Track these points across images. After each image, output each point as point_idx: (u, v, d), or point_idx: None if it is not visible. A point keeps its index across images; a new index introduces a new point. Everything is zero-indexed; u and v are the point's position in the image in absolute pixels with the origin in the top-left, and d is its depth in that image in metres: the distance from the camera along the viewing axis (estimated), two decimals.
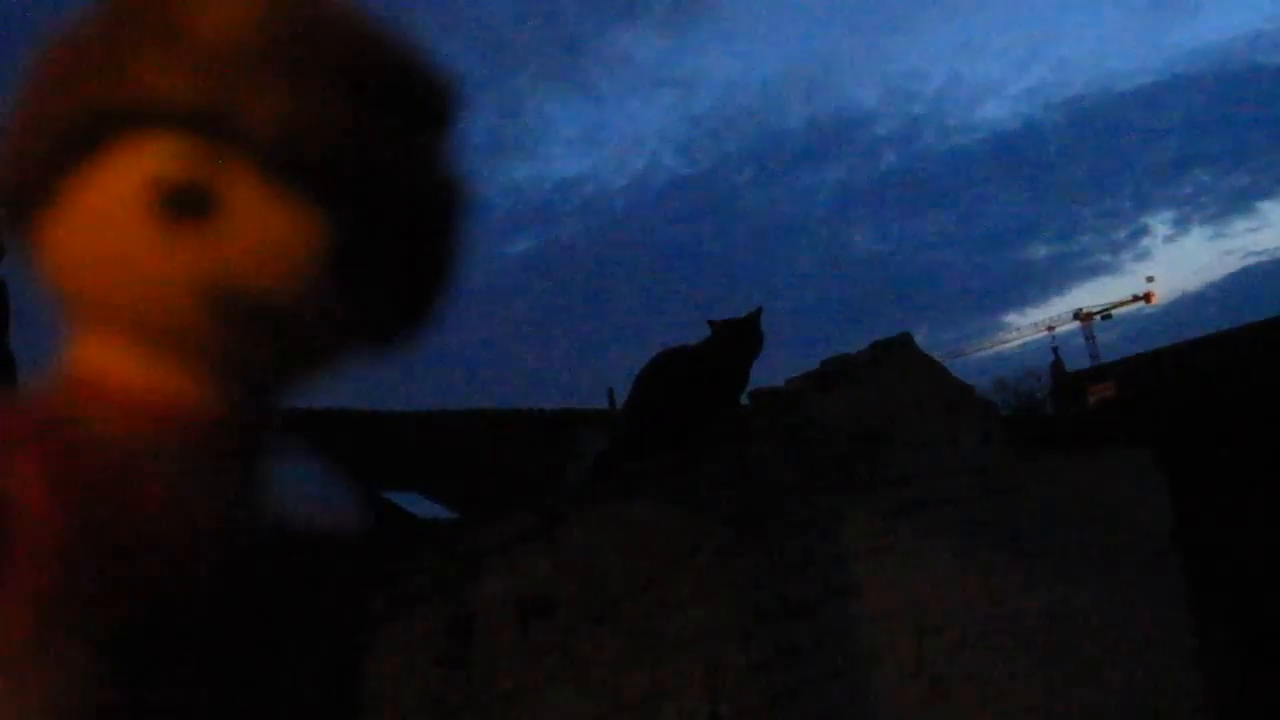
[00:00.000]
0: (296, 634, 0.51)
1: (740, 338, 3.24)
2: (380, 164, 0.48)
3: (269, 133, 0.45)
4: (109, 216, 0.46)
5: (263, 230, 0.46)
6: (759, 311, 3.30)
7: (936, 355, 4.34)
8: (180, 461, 0.48)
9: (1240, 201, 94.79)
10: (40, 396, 0.49)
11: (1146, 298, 45.03)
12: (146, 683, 0.45)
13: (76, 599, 0.43)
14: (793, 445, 3.27)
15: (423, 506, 9.08)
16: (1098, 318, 44.68)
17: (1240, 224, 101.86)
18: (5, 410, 0.48)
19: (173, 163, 0.46)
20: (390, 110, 0.49)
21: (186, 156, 0.46)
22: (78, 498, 0.44)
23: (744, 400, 3.36)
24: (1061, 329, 45.06)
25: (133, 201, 0.46)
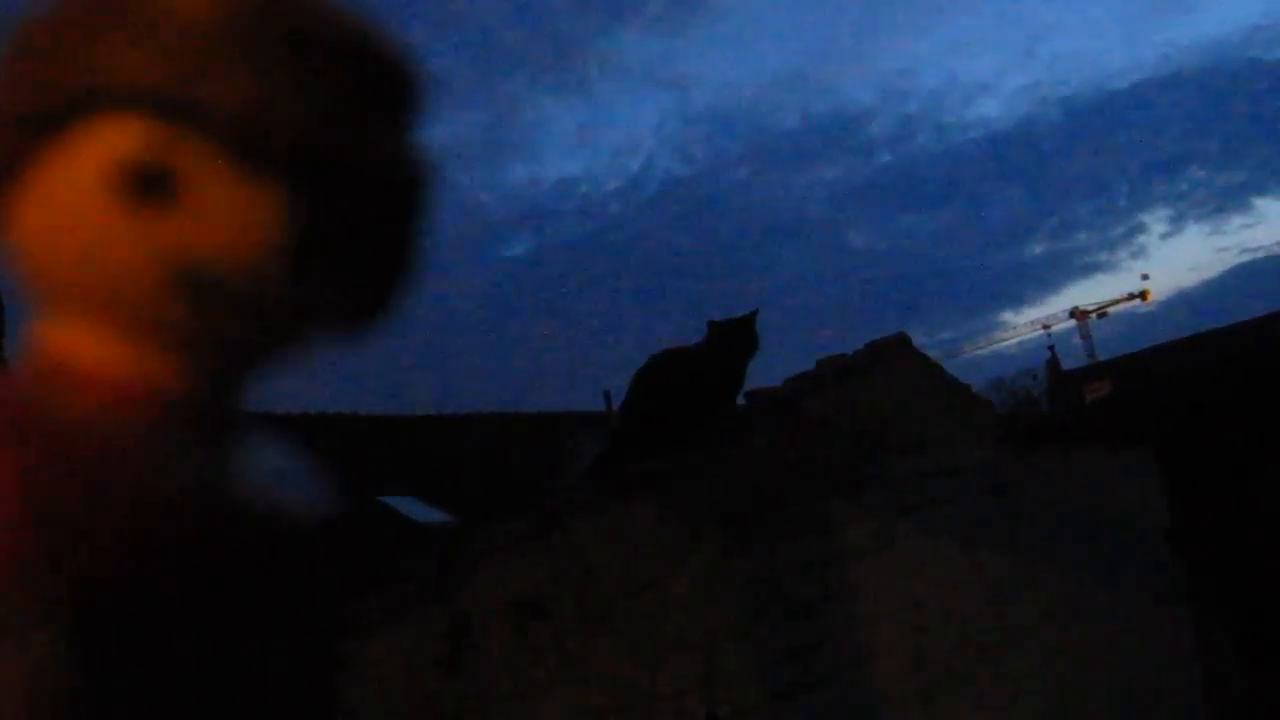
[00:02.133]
0: (262, 614, 0.51)
1: (736, 339, 3.24)
2: (344, 146, 0.48)
3: (232, 115, 0.46)
4: (74, 198, 0.47)
5: (227, 212, 0.46)
6: (755, 313, 3.30)
7: (933, 354, 4.35)
8: (147, 442, 0.48)
9: (1236, 198, 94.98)
10: (6, 378, 0.49)
11: (1142, 295, 45.13)
12: (111, 665, 0.45)
13: (42, 581, 0.43)
14: (789, 446, 3.27)
15: (420, 510, 9.07)
16: (1093, 316, 44.77)
17: (1236, 220, 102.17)
18: None
19: (137, 145, 0.46)
20: (354, 93, 0.49)
21: (150, 139, 0.46)
22: (44, 482, 0.44)
23: (741, 401, 3.36)
24: (1057, 327, 45.16)
25: (97, 183, 0.46)
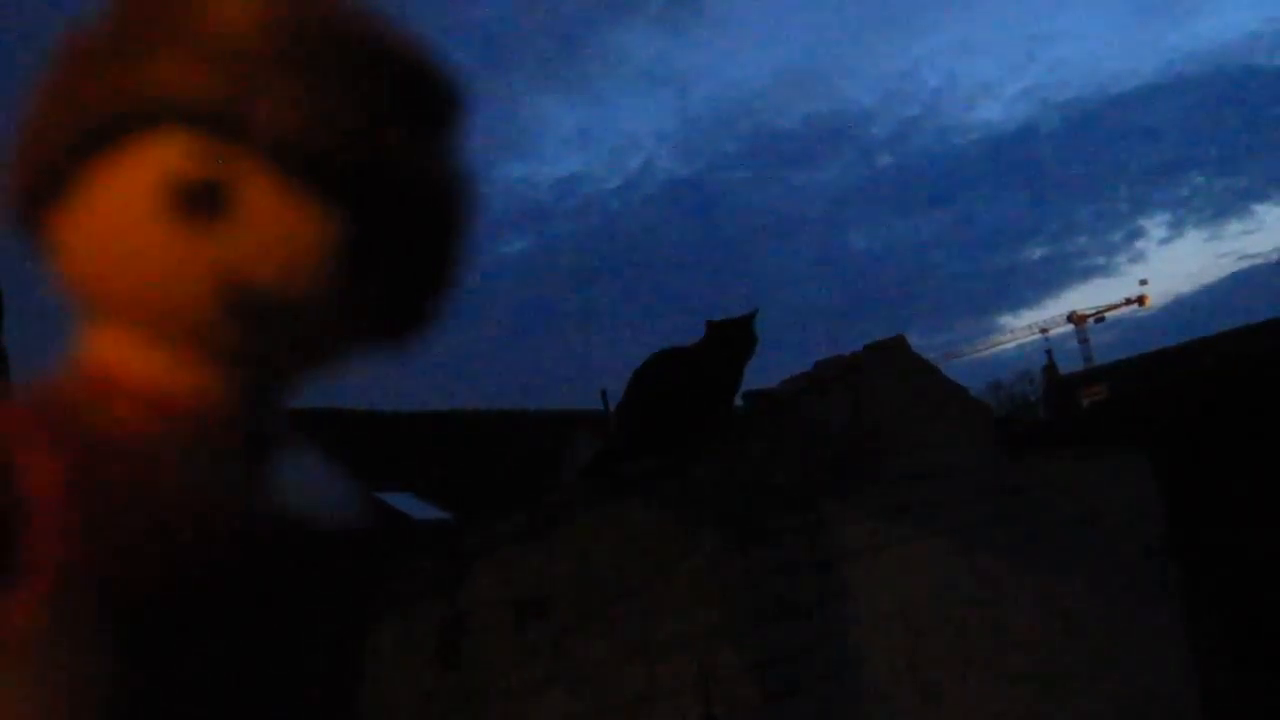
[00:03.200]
0: (301, 625, 0.52)
1: (734, 339, 3.24)
2: (391, 162, 0.48)
3: (282, 131, 0.46)
4: (123, 213, 0.47)
5: (276, 228, 0.47)
6: (754, 313, 3.31)
7: (931, 357, 4.35)
8: (191, 456, 0.48)
9: (1236, 204, 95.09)
10: (53, 391, 0.49)
11: (1140, 300, 45.14)
12: (156, 673, 0.45)
13: (89, 591, 0.44)
14: (786, 447, 3.28)
15: (417, 507, 9.07)
16: (1091, 320, 44.78)
17: (1235, 227, 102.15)
18: (19, 405, 0.48)
19: (187, 160, 0.46)
20: (401, 108, 0.49)
21: (201, 154, 0.46)
22: (91, 492, 0.45)
23: (738, 402, 3.36)
24: (1055, 332, 45.18)
25: (147, 198, 0.46)
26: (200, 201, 0.46)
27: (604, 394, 12.48)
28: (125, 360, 0.49)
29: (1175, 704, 4.46)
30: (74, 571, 0.43)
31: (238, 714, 0.49)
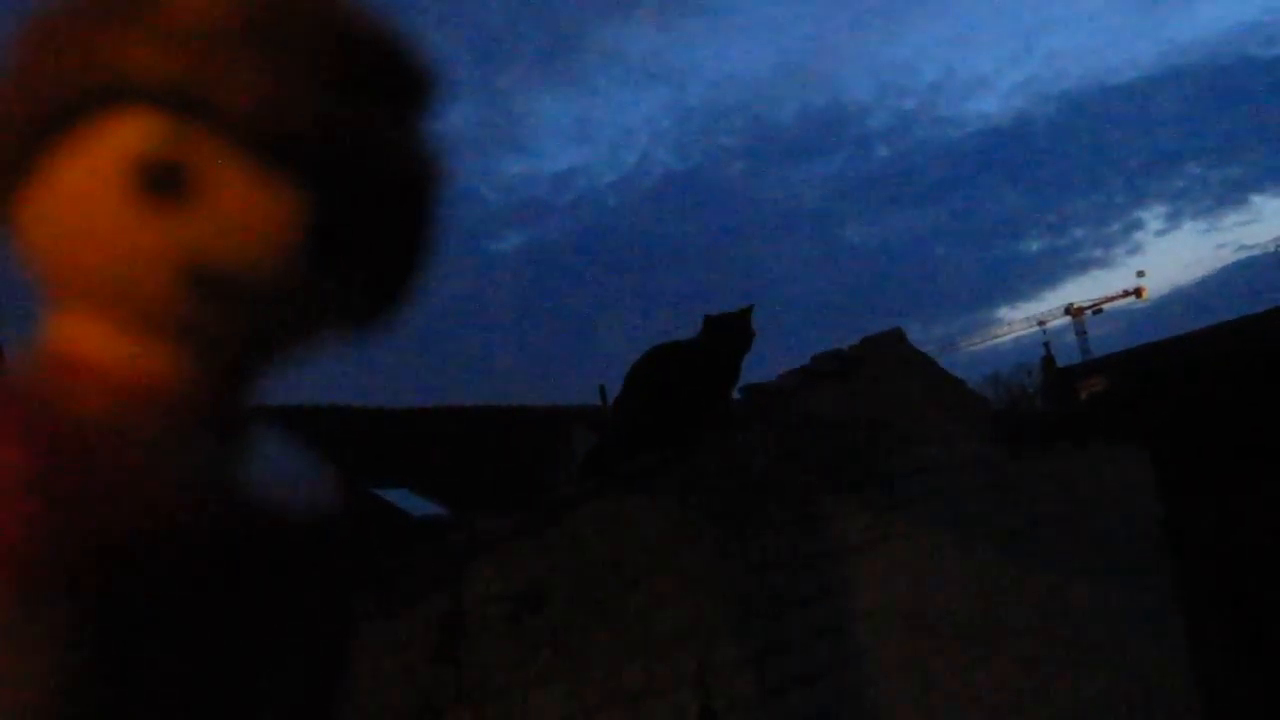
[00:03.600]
0: (273, 610, 0.51)
1: (731, 334, 3.24)
2: (357, 142, 0.48)
3: (246, 110, 0.45)
4: (86, 194, 0.46)
5: (240, 208, 0.46)
6: (750, 308, 3.30)
7: (928, 350, 4.35)
8: (158, 439, 0.48)
9: (1233, 195, 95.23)
10: (17, 377, 0.49)
11: (1137, 292, 45.22)
12: (125, 660, 0.45)
13: (56, 582, 0.43)
14: (784, 441, 3.27)
15: (414, 503, 9.08)
16: (1088, 313, 44.86)
17: (1232, 217, 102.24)
18: None
19: (150, 140, 0.46)
20: (367, 89, 0.49)
21: (164, 134, 0.46)
22: (57, 480, 0.44)
23: (736, 396, 3.36)
24: (1053, 324, 45.25)
25: (110, 179, 0.46)
26: (164, 182, 0.45)
27: (602, 389, 12.50)
28: (90, 344, 0.48)
29: (1173, 693, 4.46)
30: (40, 562, 0.43)
31: (211, 705, 0.48)
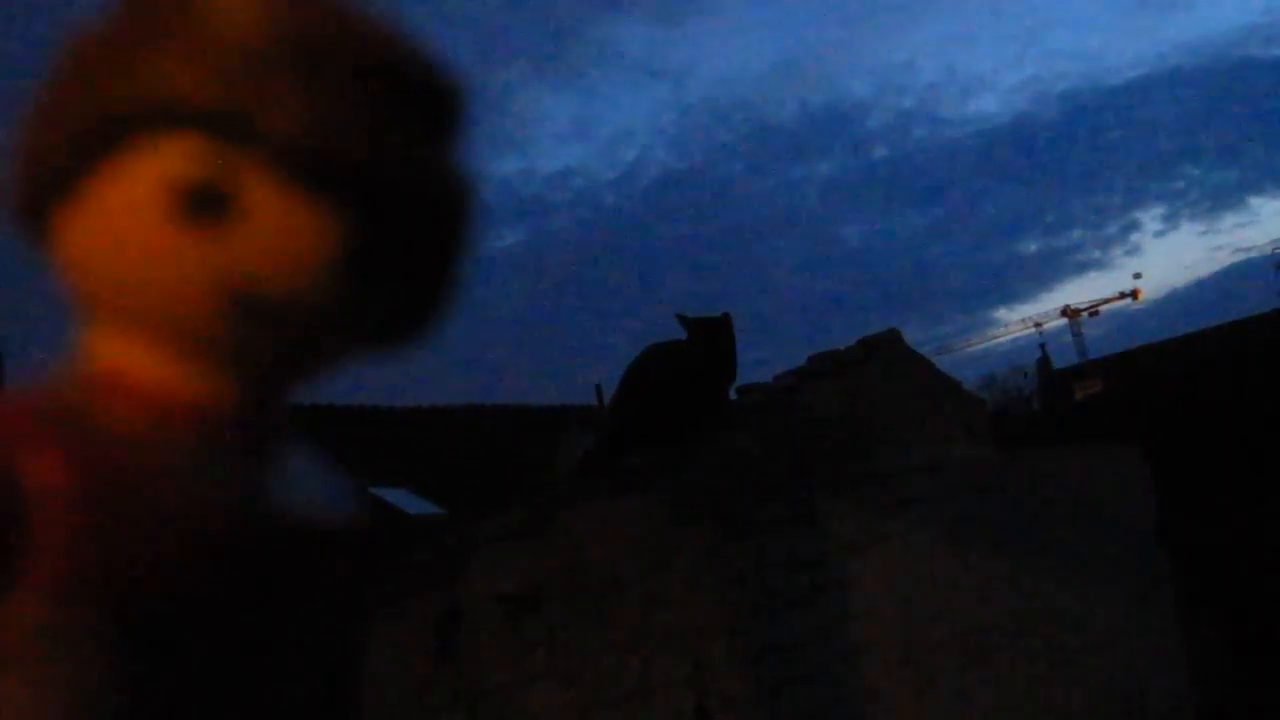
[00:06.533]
0: (300, 623, 0.52)
1: (720, 334, 3.23)
2: (394, 166, 0.49)
3: (286, 134, 0.46)
4: (128, 215, 0.47)
5: (279, 231, 0.47)
6: (727, 315, 3.25)
7: (925, 351, 4.37)
8: (193, 456, 0.49)
9: (1231, 197, 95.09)
10: (56, 392, 0.49)
11: (1133, 294, 45.20)
12: (157, 673, 0.46)
13: (91, 593, 0.44)
14: (780, 441, 3.28)
15: (412, 503, 9.07)
16: (1085, 314, 44.84)
17: (1230, 219, 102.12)
18: (21, 406, 0.48)
19: (191, 163, 0.46)
20: (404, 113, 0.49)
21: (205, 157, 0.46)
22: (94, 494, 0.45)
23: (732, 396, 3.36)
24: (1049, 325, 45.22)
25: (151, 201, 0.47)
26: (205, 204, 0.46)
27: (599, 389, 12.48)
28: (128, 361, 0.49)
29: (1169, 693, 4.48)
30: (76, 574, 0.44)
31: (238, 713, 0.49)
